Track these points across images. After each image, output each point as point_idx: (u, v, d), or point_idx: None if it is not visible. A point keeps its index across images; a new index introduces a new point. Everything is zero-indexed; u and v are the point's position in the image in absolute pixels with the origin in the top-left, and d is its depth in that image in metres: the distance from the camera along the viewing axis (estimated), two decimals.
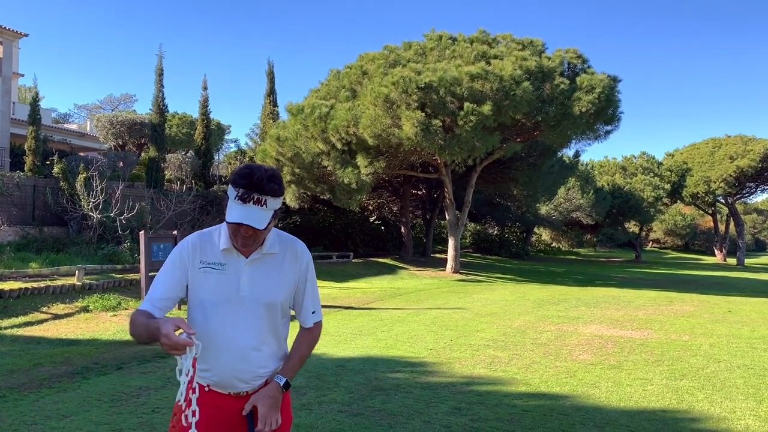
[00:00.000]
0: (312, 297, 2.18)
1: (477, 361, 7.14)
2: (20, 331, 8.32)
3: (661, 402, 5.59)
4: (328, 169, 19.54)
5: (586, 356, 7.59)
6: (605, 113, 19.35)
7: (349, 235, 26.80)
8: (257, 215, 1.91)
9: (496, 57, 18.82)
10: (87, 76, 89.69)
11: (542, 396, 5.72)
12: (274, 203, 1.96)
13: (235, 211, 1.92)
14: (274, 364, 2.14)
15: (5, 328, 8.41)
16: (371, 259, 24.34)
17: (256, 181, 1.91)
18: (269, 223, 1.97)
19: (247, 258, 2.04)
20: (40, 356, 6.87)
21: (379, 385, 5.91)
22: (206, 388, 2.10)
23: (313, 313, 2.19)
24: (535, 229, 41.69)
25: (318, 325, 2.23)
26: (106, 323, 9.20)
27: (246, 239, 1.98)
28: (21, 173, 17.63)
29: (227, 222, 1.96)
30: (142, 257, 9.99)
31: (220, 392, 2.09)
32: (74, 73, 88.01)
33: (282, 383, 2.09)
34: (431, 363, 7.03)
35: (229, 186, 1.96)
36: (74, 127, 36.76)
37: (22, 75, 32.88)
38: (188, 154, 27.83)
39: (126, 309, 10.25)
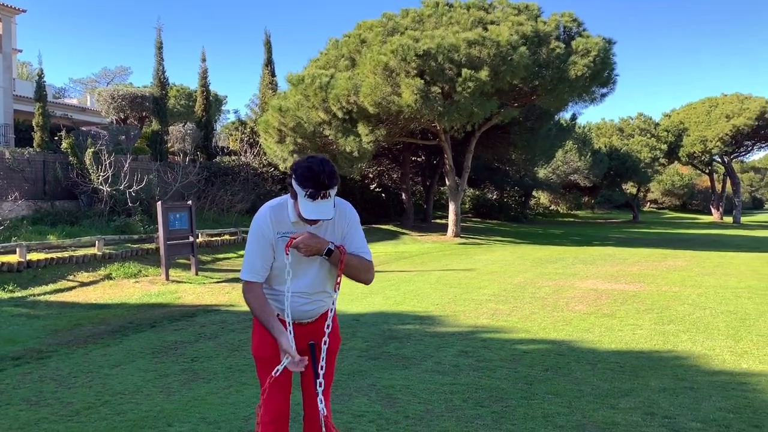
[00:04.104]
0: (359, 239, 2.70)
1: (480, 313, 7.71)
2: (52, 298, 8.89)
3: (649, 343, 6.17)
4: (330, 138, 19.92)
5: (582, 307, 8.17)
6: (601, 76, 19.67)
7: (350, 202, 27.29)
8: (326, 208, 2.46)
9: (492, 23, 19.05)
10: (79, 49, 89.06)
11: (541, 341, 6.29)
12: (335, 190, 2.51)
13: (308, 207, 2.44)
14: (328, 300, 2.74)
15: (38, 294, 8.98)
16: (373, 225, 24.85)
17: (321, 182, 2.42)
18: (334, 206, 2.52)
19: (311, 225, 2.58)
20: (77, 318, 7.44)
21: (392, 334, 6.49)
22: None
23: (364, 253, 2.70)
24: (534, 193, 42.14)
25: (370, 261, 2.72)
26: (131, 289, 9.77)
27: (315, 222, 2.55)
28: (31, 149, 18.02)
29: (305, 219, 2.48)
30: (160, 226, 10.49)
31: (284, 320, 2.64)
32: (66, 46, 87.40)
33: (329, 246, 2.55)
34: (438, 316, 7.60)
35: (295, 181, 2.46)
36: (74, 101, 36.93)
37: (21, 51, 32.98)
38: (187, 126, 28.14)
39: (146, 276, 10.81)
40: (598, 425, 3.93)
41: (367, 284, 2.76)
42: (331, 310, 2.73)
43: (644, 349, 5.94)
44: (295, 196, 2.50)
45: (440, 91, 17.61)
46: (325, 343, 2.70)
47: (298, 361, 2.50)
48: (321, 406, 2.58)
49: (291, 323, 2.61)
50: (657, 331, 6.70)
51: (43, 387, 4.72)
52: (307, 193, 2.42)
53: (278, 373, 2.57)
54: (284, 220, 2.59)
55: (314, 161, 2.48)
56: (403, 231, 23.85)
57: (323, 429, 2.63)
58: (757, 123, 38.58)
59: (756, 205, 78.48)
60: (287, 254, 2.54)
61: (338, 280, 2.68)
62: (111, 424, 3.94)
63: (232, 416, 4.08)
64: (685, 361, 5.55)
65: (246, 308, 8.03)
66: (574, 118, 29.71)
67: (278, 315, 2.65)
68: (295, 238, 2.53)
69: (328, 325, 2.70)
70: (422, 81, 17.38)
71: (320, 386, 2.62)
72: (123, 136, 24.69)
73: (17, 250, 10.19)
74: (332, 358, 2.78)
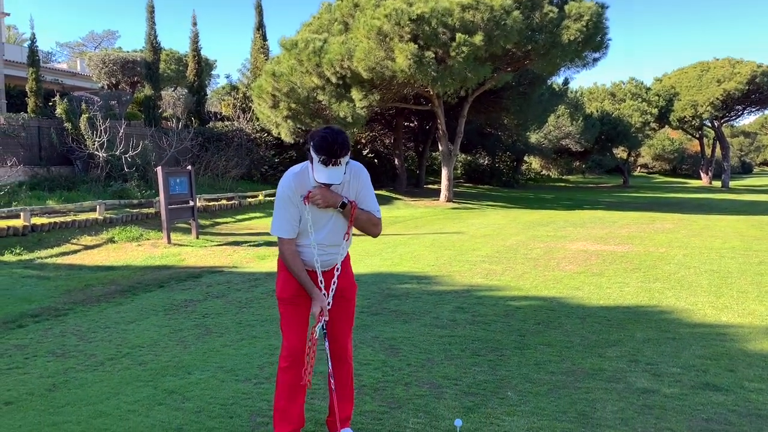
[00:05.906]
0: (370, 198, 3.03)
1: (475, 273, 8.03)
2: (59, 260, 9.13)
3: (635, 299, 6.51)
4: (324, 103, 19.98)
5: (572, 267, 8.50)
6: (593, 41, 19.75)
7: None
8: (337, 174, 2.77)
9: None
10: (64, 12, 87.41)
11: (533, 298, 6.62)
12: (346, 158, 2.80)
13: (321, 172, 2.76)
14: (343, 253, 3.07)
15: (45, 257, 9.21)
16: None
17: (334, 151, 2.72)
18: (344, 173, 2.82)
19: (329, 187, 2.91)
20: (87, 279, 7.70)
21: (391, 293, 6.80)
22: None
23: (374, 210, 3.04)
24: (525, 158, 42.33)
25: (379, 218, 3.06)
26: (134, 252, 10.01)
27: (329, 185, 2.87)
28: (25, 114, 18.01)
29: (317, 181, 2.80)
30: (161, 191, 10.69)
31: (311, 271, 3.02)
32: (51, 9, 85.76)
33: (344, 200, 2.88)
34: (434, 276, 7.91)
35: (312, 148, 2.76)
36: (63, 66, 36.55)
37: (8, 14, 32.49)
38: (177, 91, 28.02)
39: (148, 239, 11.04)
40: (587, 371, 4.26)
41: (375, 236, 3.12)
42: (345, 256, 3.09)
43: (631, 305, 6.27)
44: (312, 161, 2.79)
45: (434, 56, 17.67)
46: (334, 284, 3.03)
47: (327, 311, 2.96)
48: (316, 335, 2.96)
49: (321, 272, 2.99)
50: (643, 288, 7.04)
51: (65, 341, 5.00)
52: (321, 160, 2.73)
53: (314, 331, 2.96)
54: (306, 184, 2.89)
55: (329, 132, 2.77)
56: (396, 196, 24.10)
57: (328, 361, 3.01)
58: (747, 87, 38.72)
59: (745, 170, 79.11)
60: (306, 206, 2.86)
61: (349, 231, 3.01)
62: (135, 373, 4.23)
63: (247, 365, 4.38)
64: (668, 315, 5.89)
65: (249, 269, 8.37)
66: (566, 82, 29.81)
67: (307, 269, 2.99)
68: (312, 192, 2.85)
69: (337, 269, 3.05)
70: (416, 46, 17.42)
71: (324, 323, 2.97)
72: (115, 102, 24.54)
73: (21, 214, 10.39)
74: (352, 302, 3.15)
